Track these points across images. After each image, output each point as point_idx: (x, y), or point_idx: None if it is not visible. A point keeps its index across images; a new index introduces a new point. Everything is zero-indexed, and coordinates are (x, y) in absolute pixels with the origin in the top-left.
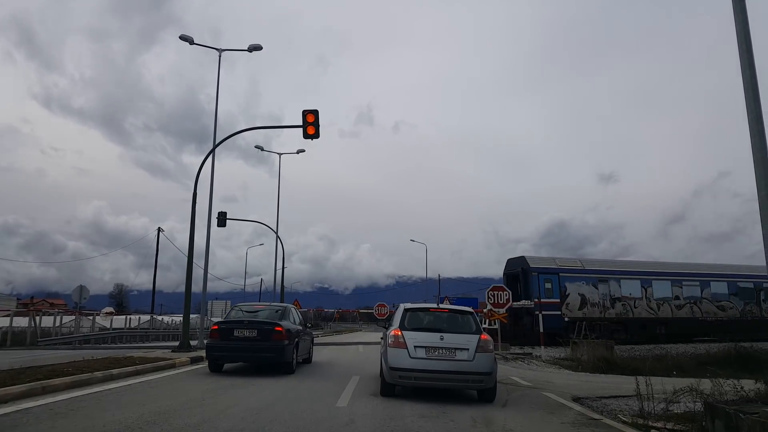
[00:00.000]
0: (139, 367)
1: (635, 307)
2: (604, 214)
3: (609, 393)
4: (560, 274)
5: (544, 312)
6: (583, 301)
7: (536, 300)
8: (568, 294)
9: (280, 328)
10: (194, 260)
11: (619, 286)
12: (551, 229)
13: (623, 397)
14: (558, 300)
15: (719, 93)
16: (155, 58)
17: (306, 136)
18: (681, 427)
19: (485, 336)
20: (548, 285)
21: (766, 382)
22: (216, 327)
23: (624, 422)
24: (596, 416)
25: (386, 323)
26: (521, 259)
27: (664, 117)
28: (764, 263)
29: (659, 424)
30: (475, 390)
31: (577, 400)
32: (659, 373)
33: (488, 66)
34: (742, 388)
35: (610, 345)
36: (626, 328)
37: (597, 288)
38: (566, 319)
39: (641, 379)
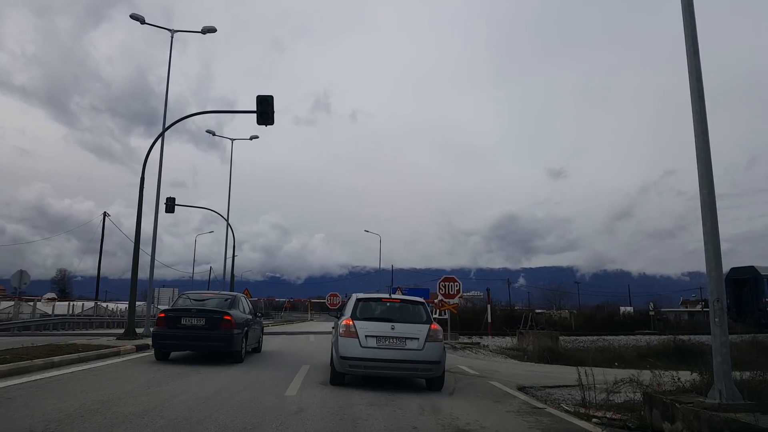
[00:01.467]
0: (82, 354)
1: None
2: (552, 208)
3: (553, 383)
4: None
5: None
6: None
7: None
8: None
9: (228, 317)
10: (141, 246)
11: None
12: (501, 222)
13: (567, 386)
14: None
15: (668, 93)
16: (103, 37)
17: (260, 122)
18: (621, 416)
19: (435, 326)
20: None
21: (701, 374)
22: (163, 315)
23: (567, 411)
24: (540, 405)
25: (338, 313)
26: (751, 268)
27: (615, 115)
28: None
29: (600, 414)
30: (423, 379)
31: (522, 389)
32: (602, 364)
33: (446, 59)
34: (679, 379)
35: (554, 336)
36: None
37: None
38: None
39: (584, 369)
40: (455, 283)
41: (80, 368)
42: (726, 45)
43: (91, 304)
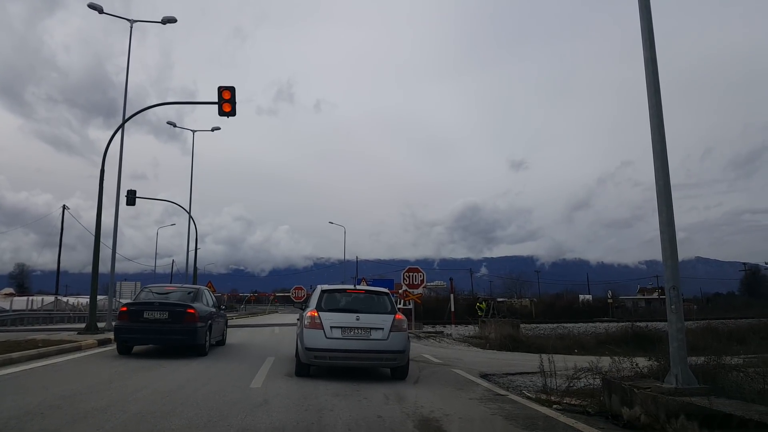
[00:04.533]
0: (42, 350)
1: None
2: (513, 199)
3: (515, 370)
4: None
5: None
6: None
7: None
8: None
9: (192, 310)
10: (102, 240)
11: None
12: (464, 212)
13: (528, 373)
14: None
15: (626, 85)
16: (59, 25)
17: (221, 113)
18: (581, 402)
19: (400, 316)
20: None
21: (658, 360)
22: (125, 308)
23: (528, 398)
24: (502, 392)
25: (303, 305)
26: None
27: (575, 107)
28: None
29: (561, 400)
30: (388, 368)
31: (484, 376)
32: (562, 351)
33: (411, 50)
34: (636, 365)
35: (516, 324)
36: None
37: None
38: None
39: (545, 356)
40: (419, 274)
41: (40, 364)
42: (682, 39)
43: (51, 298)
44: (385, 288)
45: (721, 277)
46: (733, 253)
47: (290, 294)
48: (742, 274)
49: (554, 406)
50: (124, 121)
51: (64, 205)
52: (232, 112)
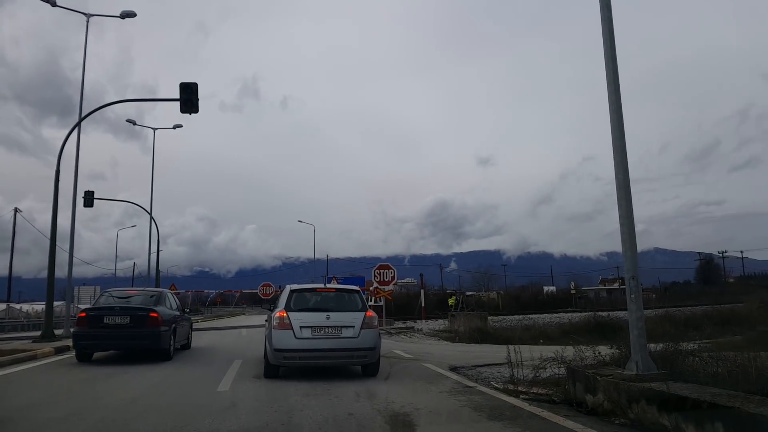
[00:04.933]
0: None
1: None
2: (481, 195)
3: (483, 362)
4: None
5: None
6: None
7: None
8: None
9: (155, 314)
10: (58, 243)
11: None
12: (434, 209)
13: (496, 365)
14: None
15: (588, 83)
16: (7, 17)
17: (183, 110)
18: (547, 391)
19: (370, 313)
20: None
21: (619, 348)
22: (84, 314)
23: (496, 389)
24: (471, 384)
25: (271, 305)
26: None
27: (539, 104)
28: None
29: (528, 389)
30: (360, 365)
31: (454, 369)
32: (528, 342)
33: (379, 47)
34: (599, 353)
35: (484, 316)
36: None
37: None
38: None
39: (512, 348)
40: (390, 271)
41: None
42: (641, 38)
43: (2, 306)
44: (356, 286)
45: (678, 267)
46: (689, 243)
47: (257, 291)
48: (697, 263)
49: (521, 396)
50: (81, 119)
51: (15, 208)
52: (195, 109)
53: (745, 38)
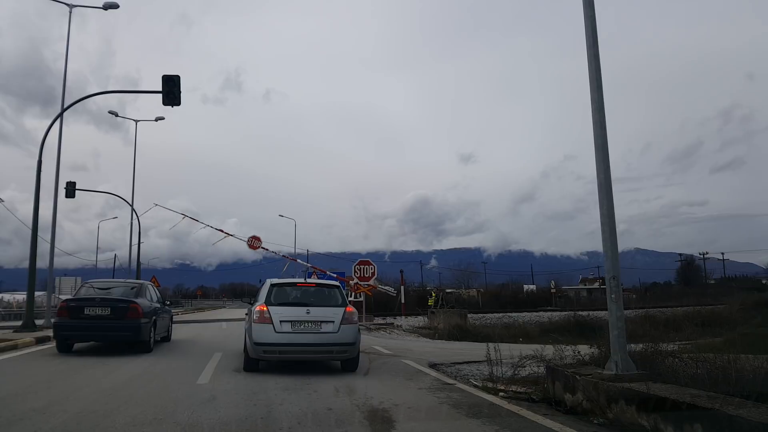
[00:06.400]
0: None
1: None
2: (462, 192)
3: (462, 359)
4: None
5: None
6: None
7: None
8: None
9: (135, 306)
10: (39, 233)
11: None
12: (415, 205)
13: (475, 362)
14: None
15: (570, 81)
16: None
17: (166, 102)
18: (526, 390)
19: (350, 308)
20: None
21: (599, 347)
22: (65, 304)
23: (475, 386)
24: (450, 381)
25: (251, 299)
26: None
27: (521, 102)
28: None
29: (507, 387)
30: (339, 361)
31: (433, 366)
32: (507, 340)
33: (362, 42)
34: (579, 352)
35: (463, 314)
36: None
37: None
38: None
39: (491, 345)
40: (370, 266)
41: None
42: (624, 37)
43: None
44: (336, 281)
45: (659, 267)
46: (670, 244)
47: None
48: (678, 264)
49: (500, 393)
50: (63, 109)
51: None
52: (177, 102)
53: (730, 38)
